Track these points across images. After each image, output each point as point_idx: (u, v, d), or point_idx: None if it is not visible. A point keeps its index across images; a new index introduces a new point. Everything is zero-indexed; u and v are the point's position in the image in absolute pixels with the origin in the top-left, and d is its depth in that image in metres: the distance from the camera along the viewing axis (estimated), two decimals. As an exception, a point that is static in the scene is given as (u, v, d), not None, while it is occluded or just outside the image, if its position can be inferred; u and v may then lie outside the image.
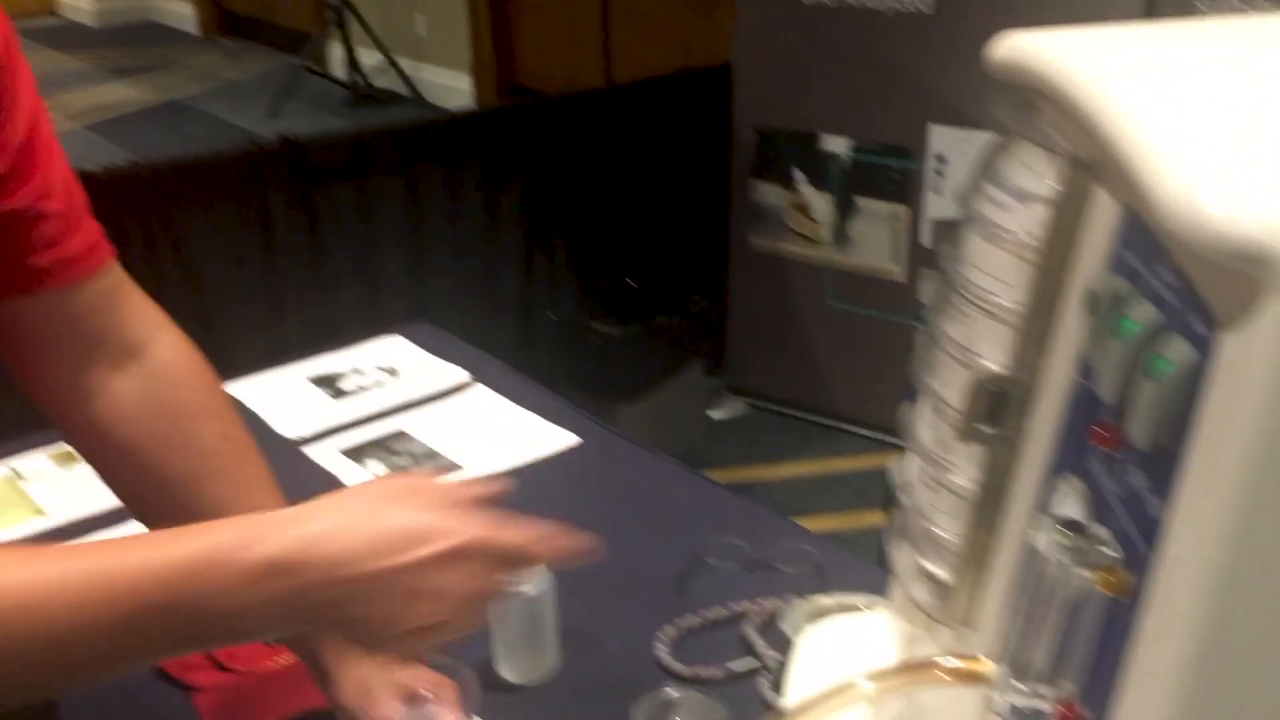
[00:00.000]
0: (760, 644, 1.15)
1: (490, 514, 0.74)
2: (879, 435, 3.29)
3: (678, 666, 1.13)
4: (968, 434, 0.67)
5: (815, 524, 3.12)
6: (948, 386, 0.71)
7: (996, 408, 0.66)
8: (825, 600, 1.15)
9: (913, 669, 0.70)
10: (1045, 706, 0.56)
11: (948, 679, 0.65)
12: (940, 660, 0.67)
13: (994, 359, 0.68)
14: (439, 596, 0.69)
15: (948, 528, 0.72)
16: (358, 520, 0.67)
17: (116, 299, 0.87)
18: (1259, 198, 0.46)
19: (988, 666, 0.64)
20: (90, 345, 0.85)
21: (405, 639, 0.70)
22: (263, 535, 0.65)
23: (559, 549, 0.74)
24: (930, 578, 0.75)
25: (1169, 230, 0.48)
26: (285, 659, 1.14)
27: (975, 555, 0.71)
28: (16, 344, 0.83)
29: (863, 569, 1.32)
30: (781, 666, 1.11)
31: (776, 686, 1.10)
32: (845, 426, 3.36)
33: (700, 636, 1.20)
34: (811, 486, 3.14)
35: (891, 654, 0.88)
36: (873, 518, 2.66)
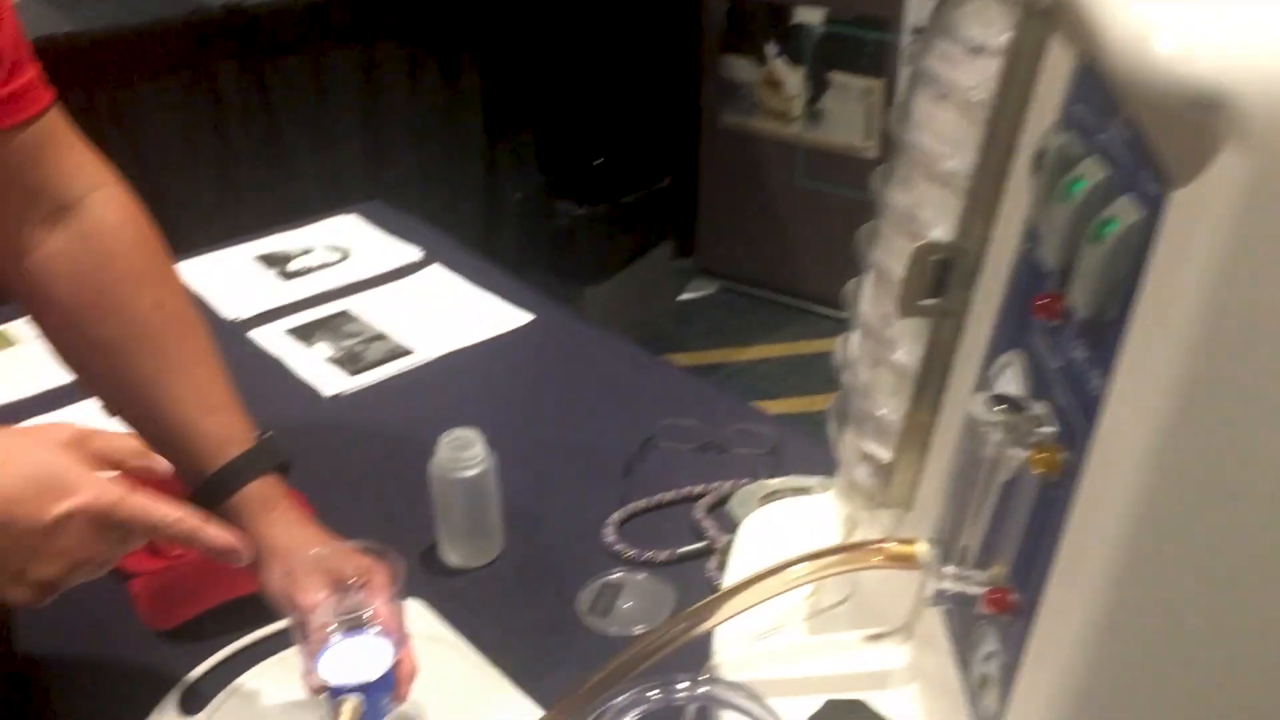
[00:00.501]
0: (709, 527, 1.13)
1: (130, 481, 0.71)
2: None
3: (625, 549, 1.11)
4: (910, 307, 0.63)
5: (785, 406, 3.12)
6: (891, 257, 0.67)
7: (940, 279, 0.62)
8: (775, 482, 1.13)
9: (848, 552, 0.67)
10: (974, 590, 0.53)
11: (881, 563, 0.63)
12: (875, 543, 0.64)
13: (939, 228, 0.64)
14: (59, 555, 0.67)
15: (888, 407, 0.69)
16: None
17: (54, 148, 0.81)
18: (1215, 36, 0.41)
19: (922, 549, 0.61)
20: (25, 197, 0.80)
21: (9, 588, 0.67)
22: None
23: (202, 538, 0.72)
24: (870, 459, 0.72)
25: (1120, 75, 0.43)
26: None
27: (915, 435, 0.68)
28: None
29: (820, 452, 1.29)
30: (729, 549, 1.09)
31: (724, 569, 1.08)
32: (816, 308, 3.33)
33: (649, 520, 1.17)
34: (781, 369, 3.12)
35: (834, 537, 0.85)
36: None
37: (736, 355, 3.18)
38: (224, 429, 0.83)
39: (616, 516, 1.16)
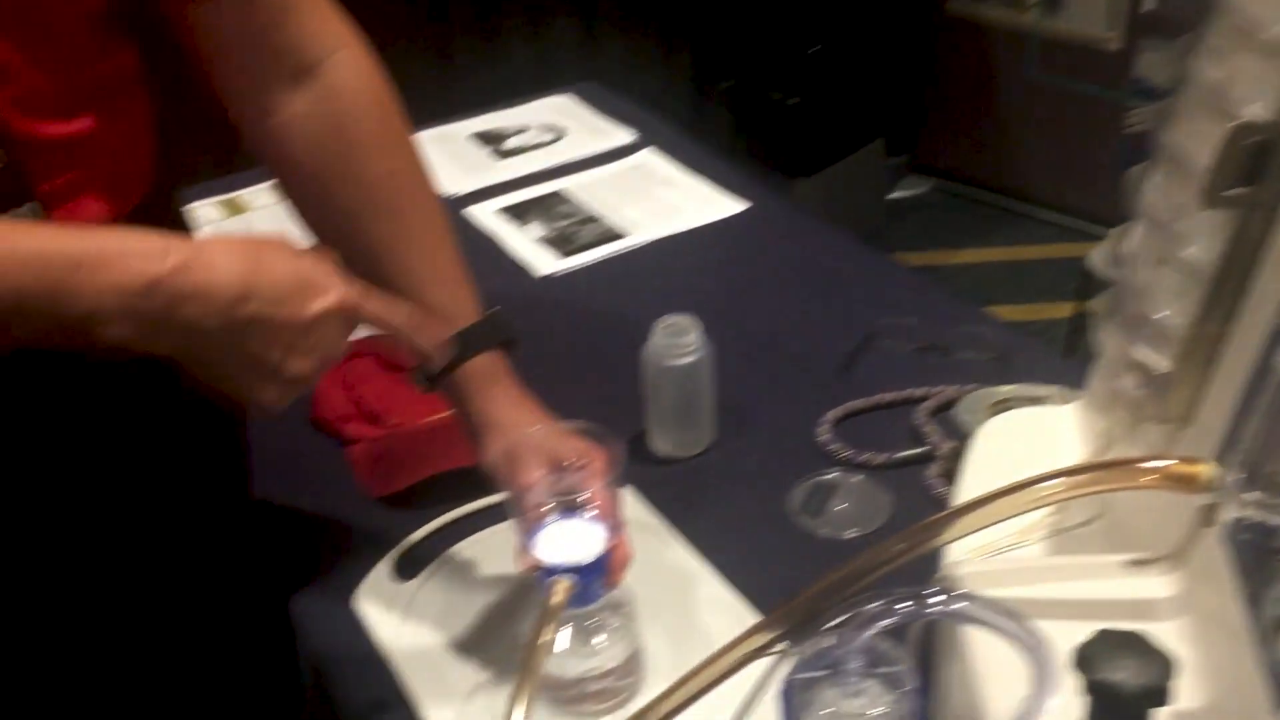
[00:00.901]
0: (931, 432, 1.07)
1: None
2: (1076, 222, 3.07)
3: (840, 449, 1.07)
4: (1215, 198, 0.55)
5: (998, 314, 2.98)
6: (1192, 140, 0.59)
7: (1255, 164, 0.54)
8: (1006, 390, 1.05)
9: (1111, 467, 0.60)
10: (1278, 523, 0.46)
11: (1155, 482, 0.56)
12: (1147, 460, 0.57)
13: (1256, 105, 0.55)
14: (312, 350, 0.70)
15: (1171, 310, 0.61)
16: (249, 263, 0.67)
17: (299, 9, 0.81)
18: None
19: (1209, 471, 0.54)
20: (270, 58, 0.81)
21: (258, 386, 0.70)
22: (158, 253, 0.64)
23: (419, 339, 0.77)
24: (1142, 368, 0.64)
25: None
26: (440, 418, 1.13)
27: (1202, 343, 0.60)
28: (206, 53, 0.80)
29: (1051, 361, 1.21)
30: (953, 456, 1.03)
31: (946, 476, 1.03)
32: (1039, 212, 3.15)
33: (866, 421, 1.12)
34: (997, 274, 2.97)
35: (1082, 452, 0.78)
36: (1061, 310, 2.50)
37: (948, 258, 3.04)
38: (452, 301, 0.82)
39: (832, 415, 1.11)
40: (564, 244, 1.41)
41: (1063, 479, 0.60)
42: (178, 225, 0.91)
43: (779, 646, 0.61)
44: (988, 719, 0.54)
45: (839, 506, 1.01)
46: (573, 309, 1.31)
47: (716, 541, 0.97)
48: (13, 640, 0.82)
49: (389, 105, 0.85)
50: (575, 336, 1.26)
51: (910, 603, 0.49)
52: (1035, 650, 0.46)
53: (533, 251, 1.40)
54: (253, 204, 1.55)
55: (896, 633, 0.53)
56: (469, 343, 0.81)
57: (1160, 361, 0.63)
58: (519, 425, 0.80)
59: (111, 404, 0.81)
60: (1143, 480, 0.57)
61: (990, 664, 0.56)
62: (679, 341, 1.03)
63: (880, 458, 1.05)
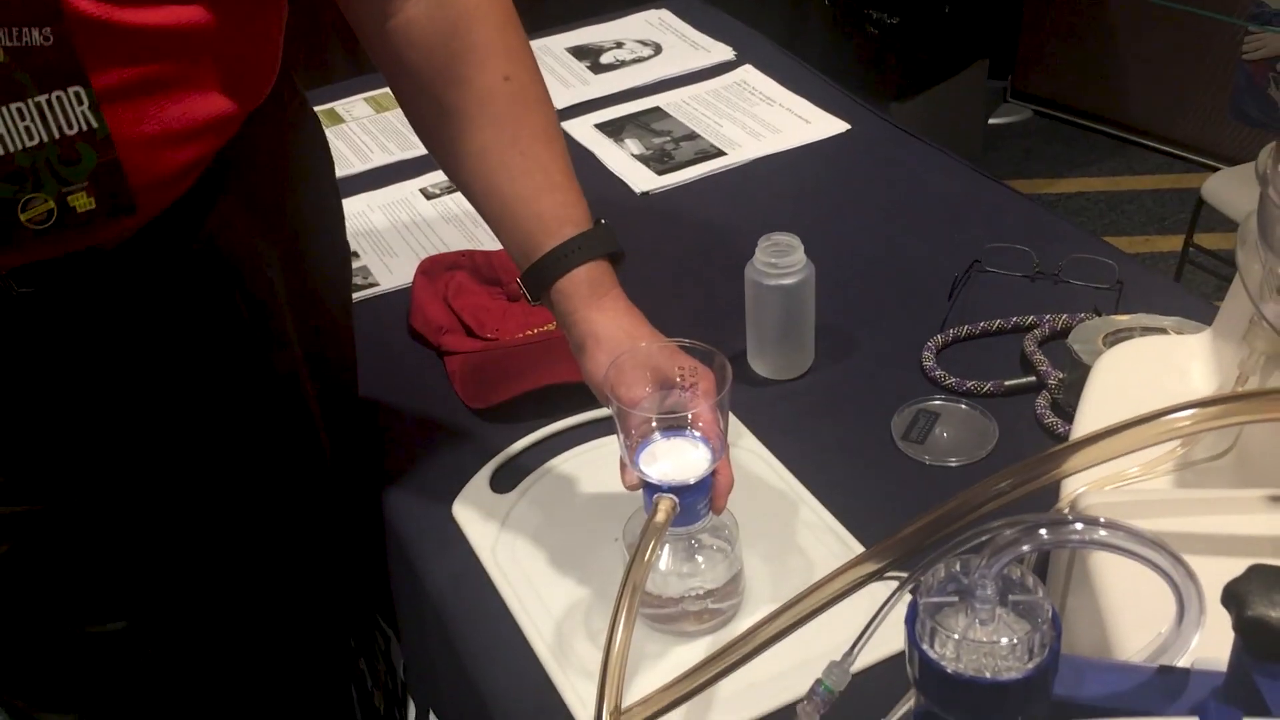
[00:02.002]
0: (1041, 361, 1.04)
1: None
2: (1182, 153, 2.95)
3: (945, 376, 1.04)
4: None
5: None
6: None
7: None
8: (1123, 319, 1.02)
9: (1253, 398, 0.57)
10: None
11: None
12: (1294, 393, 0.54)
13: None
14: None
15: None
16: None
17: None
18: None
19: (1371, 406, 0.51)
20: None
21: None
22: None
23: None
24: (1292, 294, 0.61)
25: None
26: (538, 333, 1.12)
27: (1363, 271, 0.57)
28: None
29: (1168, 292, 1.16)
30: (1064, 387, 1.00)
31: (1055, 407, 1.00)
32: (1143, 140, 3.03)
33: (972, 348, 1.09)
34: (1098, 205, 2.88)
35: (1212, 384, 0.75)
36: (1168, 243, 2.41)
37: (1048, 187, 2.95)
38: (562, 208, 0.81)
39: (937, 341, 1.08)
40: (661, 161, 1.39)
41: (1202, 409, 0.57)
42: (301, 129, 0.91)
43: (902, 574, 0.60)
44: (1117, 653, 0.52)
45: (943, 434, 0.99)
46: (672, 226, 1.29)
47: (817, 467, 0.96)
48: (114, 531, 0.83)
49: (507, 11, 0.83)
50: (675, 254, 1.24)
51: (1046, 531, 0.47)
52: (1182, 583, 0.44)
53: (630, 168, 1.38)
54: (347, 116, 1.55)
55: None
56: (578, 251, 0.80)
57: (1313, 288, 0.59)
58: (625, 339, 0.79)
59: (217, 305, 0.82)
60: (1293, 412, 0.54)
61: (1123, 597, 0.54)
62: (783, 260, 1.01)
63: (986, 386, 1.03)
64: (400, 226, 1.31)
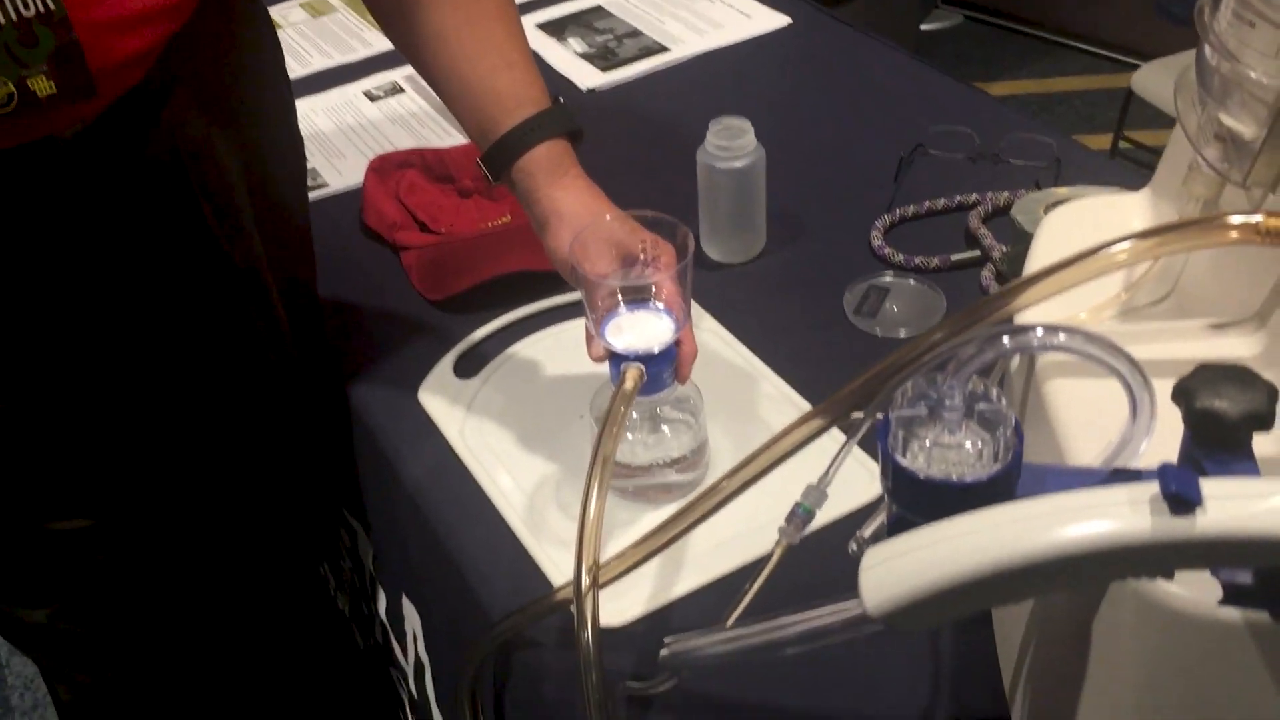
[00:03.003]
0: (985, 235, 1.07)
1: None
2: (1110, 53, 3.00)
3: (893, 254, 1.07)
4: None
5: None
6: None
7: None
8: (1064, 191, 1.05)
9: (1187, 227, 0.60)
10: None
11: (1246, 237, 0.56)
12: (1235, 216, 0.57)
13: None
14: None
15: (1263, 71, 0.60)
16: None
17: None
18: None
19: (1305, 223, 0.55)
20: None
21: None
22: None
23: None
24: (1229, 135, 0.64)
25: None
26: (494, 226, 1.13)
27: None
28: None
29: (1105, 168, 1.20)
30: (1007, 258, 1.03)
31: (1000, 279, 1.03)
32: (1071, 42, 3.07)
33: (918, 227, 1.12)
34: (1030, 107, 2.92)
35: (1152, 235, 0.78)
36: (1098, 142, 2.46)
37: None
38: (519, 86, 0.81)
39: (884, 221, 1.11)
40: (606, 58, 1.39)
41: (1139, 240, 0.60)
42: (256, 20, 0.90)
43: (860, 413, 0.63)
44: (1071, 459, 0.55)
45: (893, 308, 1.02)
46: (621, 122, 1.29)
47: (774, 343, 0.98)
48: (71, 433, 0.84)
49: None
50: (625, 148, 1.25)
51: (1008, 338, 0.49)
52: (1136, 385, 0.47)
53: (575, 66, 1.38)
54: (285, 21, 1.53)
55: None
56: (538, 129, 0.80)
57: (1248, 127, 0.62)
58: (588, 215, 0.80)
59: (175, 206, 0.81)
60: (1232, 236, 0.57)
61: (1075, 423, 0.57)
62: (734, 143, 1.02)
63: (933, 261, 1.06)
64: (346, 129, 1.31)
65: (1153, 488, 0.39)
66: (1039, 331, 0.49)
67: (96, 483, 0.87)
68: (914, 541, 0.41)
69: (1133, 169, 1.22)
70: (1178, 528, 0.37)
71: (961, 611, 0.40)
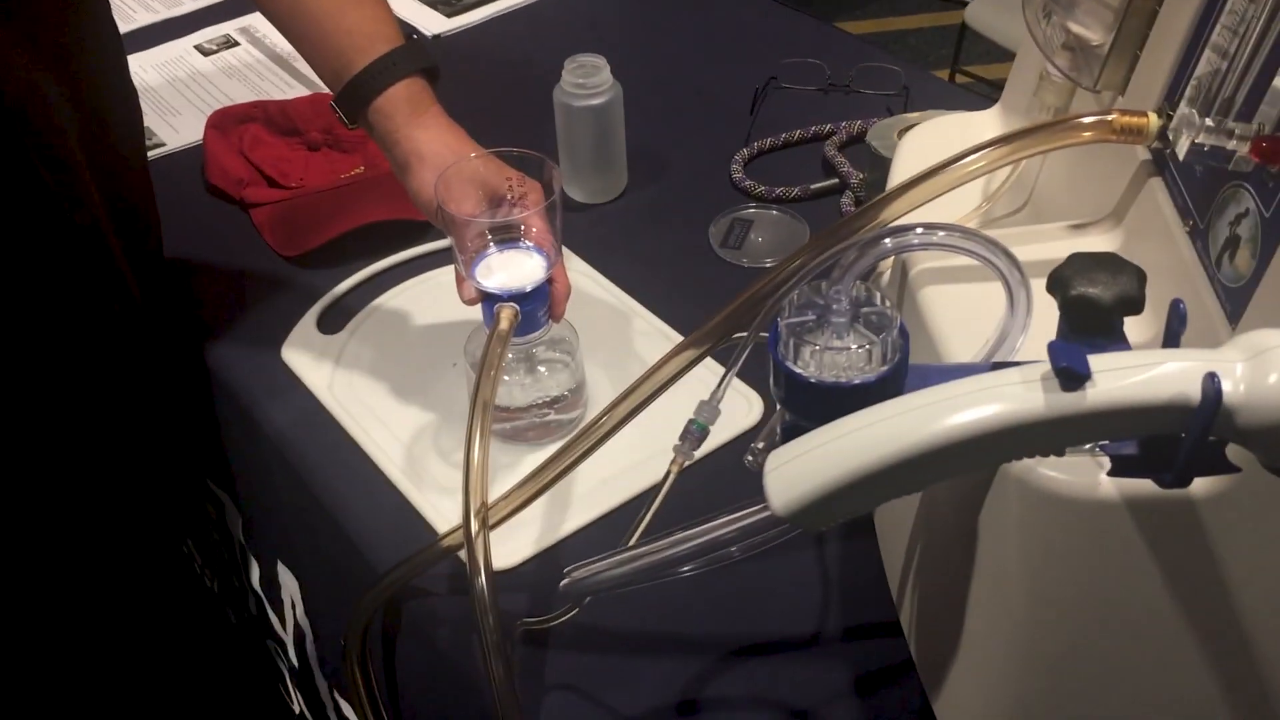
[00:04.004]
0: (843, 163, 1.09)
1: None
2: (940, -8, 3.08)
3: (754, 186, 1.07)
4: None
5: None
6: None
7: None
8: (915, 116, 1.07)
9: (1039, 130, 0.62)
10: (1233, 145, 0.49)
11: (1100, 135, 0.58)
12: (1088, 115, 0.59)
13: None
14: None
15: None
16: None
17: None
18: None
19: (1154, 119, 0.57)
20: None
21: None
22: None
23: None
24: (1077, 42, 0.66)
25: None
26: (345, 179, 1.09)
27: (1141, 11, 0.62)
28: None
29: (951, 94, 1.23)
30: (865, 184, 1.05)
31: (859, 204, 1.05)
32: (904, -16, 3.14)
33: (776, 159, 1.13)
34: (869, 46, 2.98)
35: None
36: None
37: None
38: (371, 23, 0.78)
39: (743, 154, 1.12)
40: (449, 4, 1.35)
41: (994, 148, 0.62)
42: None
43: (741, 334, 0.63)
44: (949, 360, 0.57)
45: (758, 239, 1.03)
46: (472, 66, 1.26)
47: (643, 281, 0.98)
48: None
49: None
50: (479, 93, 1.22)
51: (889, 240, 0.50)
52: (1013, 279, 0.49)
53: (418, 12, 1.34)
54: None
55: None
56: (393, 67, 0.78)
57: (1096, 33, 0.64)
58: (451, 155, 0.78)
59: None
60: (1086, 135, 0.59)
61: (949, 326, 0.59)
62: (590, 81, 1.01)
63: (794, 191, 1.07)
64: (179, 84, 1.24)
65: (1042, 368, 0.40)
66: (919, 230, 0.50)
67: None
68: (816, 440, 0.41)
69: (975, 97, 1.25)
70: (1069, 402, 0.38)
71: (868, 504, 0.41)
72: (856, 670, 0.70)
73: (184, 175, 1.12)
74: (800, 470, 0.41)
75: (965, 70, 2.35)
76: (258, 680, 1.15)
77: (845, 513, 0.41)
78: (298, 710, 1.08)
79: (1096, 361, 0.39)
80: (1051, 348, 0.38)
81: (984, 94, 2.38)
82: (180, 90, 1.23)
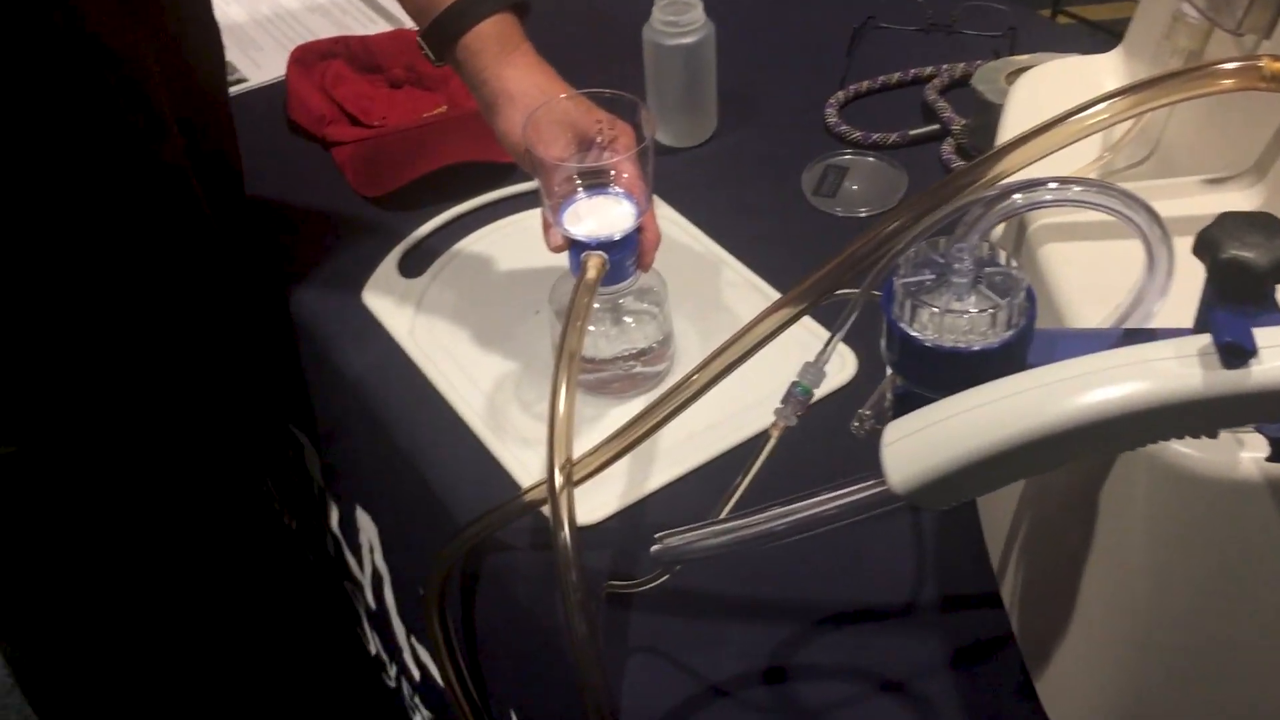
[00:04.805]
0: (944, 108, 1.03)
1: None
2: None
3: (850, 131, 1.03)
4: None
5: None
6: None
7: None
8: (1024, 59, 1.01)
9: (1183, 76, 0.57)
10: None
11: (1246, 83, 0.53)
12: (1230, 62, 0.54)
13: None
14: None
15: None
16: None
17: None
18: None
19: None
20: None
21: None
22: None
23: None
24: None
25: None
26: (429, 117, 1.07)
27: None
28: None
29: (1061, 35, 1.17)
30: (968, 130, 1.00)
31: (961, 152, 1.00)
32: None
33: (873, 103, 1.08)
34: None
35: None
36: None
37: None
38: None
39: (838, 98, 1.07)
40: (536, -63, 1.31)
41: (1119, 98, 0.57)
42: None
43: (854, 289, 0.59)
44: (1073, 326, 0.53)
45: (853, 186, 0.99)
46: (559, 2, 1.23)
47: (732, 228, 0.95)
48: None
49: None
50: (564, 29, 1.19)
51: (1020, 195, 0.46)
52: (1154, 238, 0.44)
53: (503, -54, 1.30)
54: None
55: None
56: (483, 3, 0.74)
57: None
58: (540, 95, 0.75)
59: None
60: (1228, 83, 0.54)
61: (1075, 287, 0.55)
62: (683, 18, 0.97)
63: (892, 137, 1.02)
64: (262, 20, 1.23)
65: (1197, 341, 0.36)
66: (1052, 185, 0.46)
67: (20, 406, 0.81)
68: (941, 412, 0.38)
69: (1084, 39, 1.19)
70: (1232, 380, 0.34)
71: (995, 484, 0.38)
72: (953, 643, 0.67)
73: (266, 112, 1.11)
74: (922, 445, 0.37)
75: (1068, 11, 2.25)
76: (336, 620, 1.15)
77: (970, 492, 0.38)
78: (374, 652, 1.08)
79: (1262, 336, 0.35)
80: (1215, 319, 0.35)
81: (1088, 34, 2.28)
82: (263, 25, 1.22)
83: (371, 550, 0.96)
